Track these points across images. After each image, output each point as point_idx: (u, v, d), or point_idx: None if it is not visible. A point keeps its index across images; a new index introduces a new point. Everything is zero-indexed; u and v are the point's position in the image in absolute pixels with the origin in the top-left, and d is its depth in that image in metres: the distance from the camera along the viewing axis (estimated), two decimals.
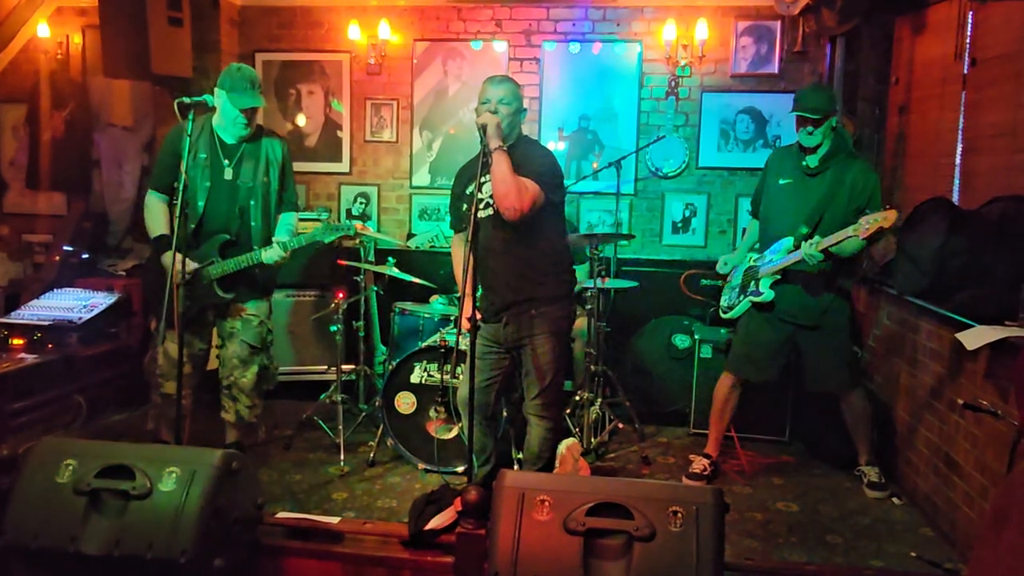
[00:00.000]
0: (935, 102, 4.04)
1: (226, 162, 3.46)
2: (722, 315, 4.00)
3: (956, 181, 3.80)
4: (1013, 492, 1.88)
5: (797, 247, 3.57)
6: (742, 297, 3.83)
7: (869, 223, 3.27)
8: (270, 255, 3.42)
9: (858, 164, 3.64)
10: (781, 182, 3.76)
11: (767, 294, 3.70)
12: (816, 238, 3.47)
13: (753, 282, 3.78)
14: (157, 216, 3.51)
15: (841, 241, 3.39)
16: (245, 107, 3.36)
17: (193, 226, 3.39)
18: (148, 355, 3.67)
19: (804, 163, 3.68)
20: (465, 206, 3.18)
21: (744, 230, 5.13)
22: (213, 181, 3.44)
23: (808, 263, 3.49)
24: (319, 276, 5.01)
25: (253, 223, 3.51)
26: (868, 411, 3.80)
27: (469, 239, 2.81)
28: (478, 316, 3.22)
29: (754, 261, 3.84)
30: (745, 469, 4.04)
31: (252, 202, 3.50)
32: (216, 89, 3.38)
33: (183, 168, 3.07)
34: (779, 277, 3.69)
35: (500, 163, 2.89)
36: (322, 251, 4.94)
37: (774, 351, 3.77)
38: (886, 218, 3.24)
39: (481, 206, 3.04)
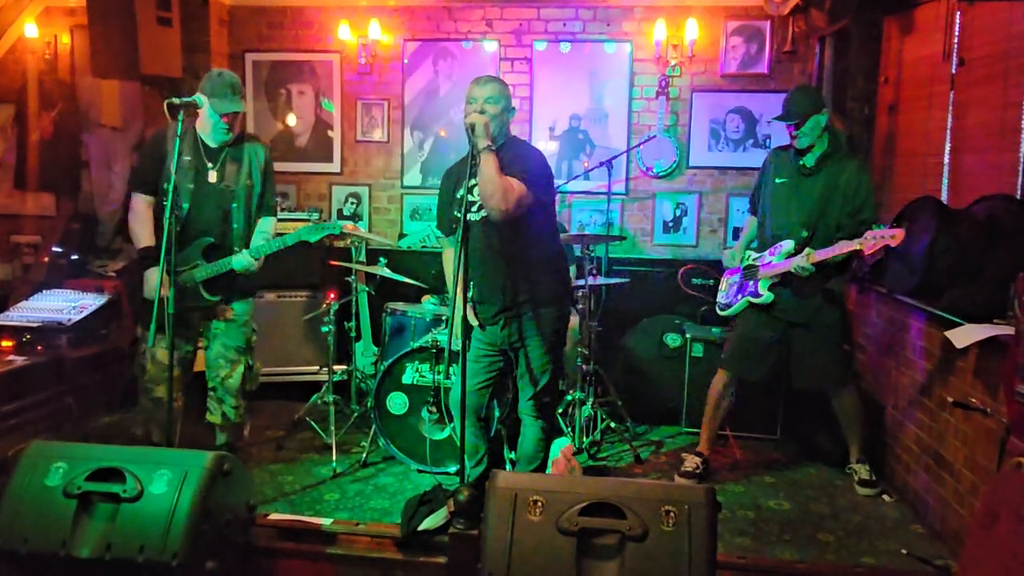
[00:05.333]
0: (924, 102, 4.07)
1: (209, 165, 3.43)
2: (719, 312, 4.00)
3: (945, 180, 3.82)
4: (1003, 489, 1.90)
5: (798, 251, 3.57)
6: (740, 296, 3.83)
7: (876, 240, 3.23)
8: (239, 261, 3.40)
9: (852, 165, 3.63)
10: (778, 181, 3.75)
11: (766, 296, 3.69)
12: (808, 250, 3.48)
13: (752, 282, 3.78)
14: (144, 221, 3.46)
15: (843, 253, 3.38)
16: (226, 112, 3.33)
17: (178, 229, 3.37)
18: (136, 360, 3.65)
19: (801, 163, 3.68)
20: (456, 211, 3.17)
21: (735, 228, 5.18)
22: (197, 184, 3.41)
23: (800, 274, 3.51)
24: (310, 277, 5.00)
25: (235, 225, 3.49)
26: (860, 409, 3.81)
27: (460, 241, 2.81)
28: (478, 322, 3.23)
29: (753, 260, 3.83)
30: (739, 461, 4.06)
31: (235, 205, 3.48)
32: (197, 95, 3.33)
33: (172, 169, 3.04)
34: (777, 280, 3.68)
35: (487, 163, 2.88)
36: (313, 251, 4.93)
37: (768, 349, 3.78)
38: (894, 237, 3.20)
39: (473, 208, 3.04)
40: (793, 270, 3.52)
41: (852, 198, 3.55)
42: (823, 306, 3.68)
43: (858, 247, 3.32)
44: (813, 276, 3.54)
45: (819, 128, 3.58)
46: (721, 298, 3.99)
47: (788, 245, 3.63)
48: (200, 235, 3.45)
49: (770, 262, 3.70)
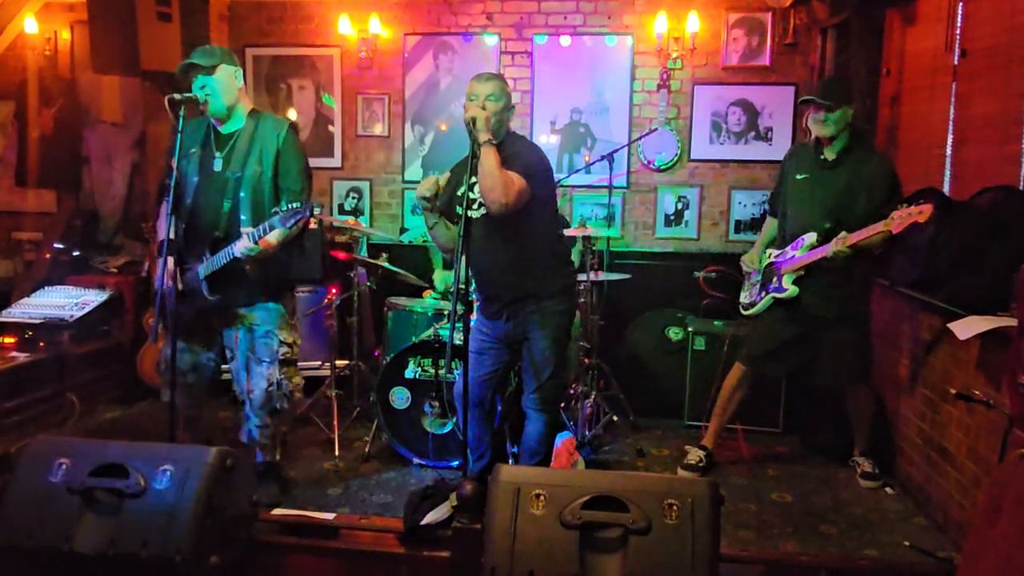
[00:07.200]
0: (926, 93, 4.05)
1: (218, 153, 3.20)
2: (743, 312, 3.95)
3: (947, 172, 3.82)
4: (1005, 481, 1.89)
5: (821, 243, 3.53)
6: (764, 294, 3.79)
7: (903, 217, 3.18)
8: (240, 248, 3.05)
9: (876, 158, 3.61)
10: (799, 176, 3.72)
11: (791, 290, 3.65)
12: (843, 233, 3.42)
13: (775, 278, 3.74)
14: (165, 219, 3.20)
15: (872, 236, 3.34)
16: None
17: (184, 225, 3.15)
18: (139, 353, 3.61)
19: (821, 156, 3.65)
20: (458, 207, 3.15)
21: (737, 221, 5.17)
22: (202, 175, 3.18)
23: (836, 259, 3.45)
24: (312, 272, 4.98)
25: (243, 217, 3.16)
26: (873, 405, 3.81)
27: (460, 238, 2.80)
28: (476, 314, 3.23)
29: (774, 257, 3.80)
30: (744, 456, 4.06)
31: (242, 195, 3.18)
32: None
33: (174, 164, 3.01)
34: (802, 273, 3.64)
35: (488, 157, 2.88)
36: (314, 247, 4.93)
37: (793, 346, 3.73)
38: (921, 212, 3.13)
39: (474, 206, 3.03)
40: (831, 255, 3.44)
41: (878, 191, 3.50)
42: (850, 299, 3.64)
43: (885, 227, 3.26)
44: (840, 266, 3.49)
45: (845, 120, 3.56)
46: (744, 298, 3.96)
47: (810, 238, 3.60)
48: (208, 229, 3.19)
49: (793, 256, 3.67)
